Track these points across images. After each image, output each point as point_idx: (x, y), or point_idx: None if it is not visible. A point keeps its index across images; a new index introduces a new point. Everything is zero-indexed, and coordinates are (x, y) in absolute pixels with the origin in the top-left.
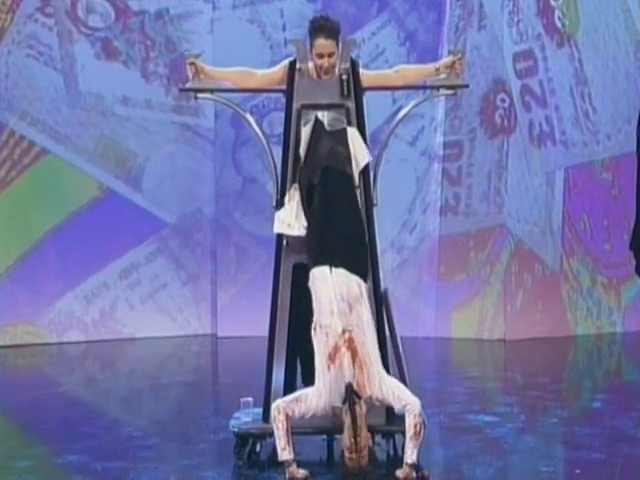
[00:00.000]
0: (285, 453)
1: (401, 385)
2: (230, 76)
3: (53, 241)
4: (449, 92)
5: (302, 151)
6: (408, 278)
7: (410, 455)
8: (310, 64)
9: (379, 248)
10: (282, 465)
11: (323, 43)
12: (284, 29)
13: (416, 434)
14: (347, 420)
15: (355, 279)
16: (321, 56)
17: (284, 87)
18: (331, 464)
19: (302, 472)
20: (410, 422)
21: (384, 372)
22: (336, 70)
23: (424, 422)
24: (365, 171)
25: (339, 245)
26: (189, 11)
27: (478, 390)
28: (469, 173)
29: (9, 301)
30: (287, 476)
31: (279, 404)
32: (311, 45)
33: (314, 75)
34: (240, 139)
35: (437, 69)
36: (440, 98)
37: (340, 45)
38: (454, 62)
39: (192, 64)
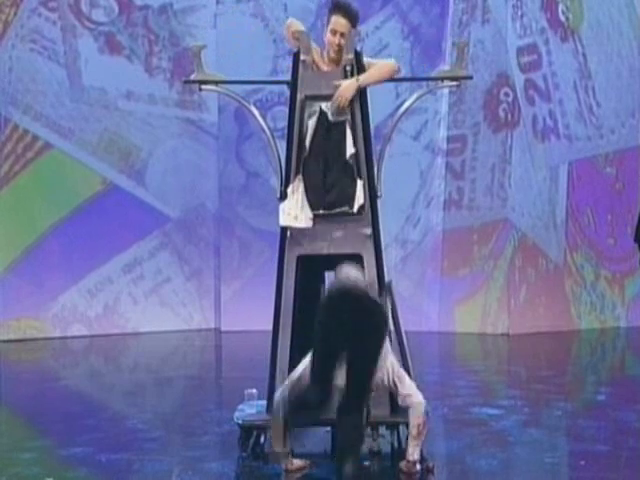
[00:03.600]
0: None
1: (411, 383)
2: None
3: (56, 236)
4: (453, 84)
5: (308, 143)
6: (412, 272)
7: (412, 453)
8: (315, 56)
9: (383, 242)
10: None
11: (340, 21)
12: None
13: (419, 434)
14: None
15: None
16: (334, 33)
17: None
18: (334, 455)
19: (297, 462)
20: (414, 422)
21: (392, 364)
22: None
23: (427, 416)
24: (368, 162)
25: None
26: (192, 5)
27: (482, 383)
28: (473, 167)
29: (13, 295)
30: (282, 467)
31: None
32: (328, 22)
33: (320, 65)
34: (243, 134)
35: None
36: (443, 92)
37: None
38: None
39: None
